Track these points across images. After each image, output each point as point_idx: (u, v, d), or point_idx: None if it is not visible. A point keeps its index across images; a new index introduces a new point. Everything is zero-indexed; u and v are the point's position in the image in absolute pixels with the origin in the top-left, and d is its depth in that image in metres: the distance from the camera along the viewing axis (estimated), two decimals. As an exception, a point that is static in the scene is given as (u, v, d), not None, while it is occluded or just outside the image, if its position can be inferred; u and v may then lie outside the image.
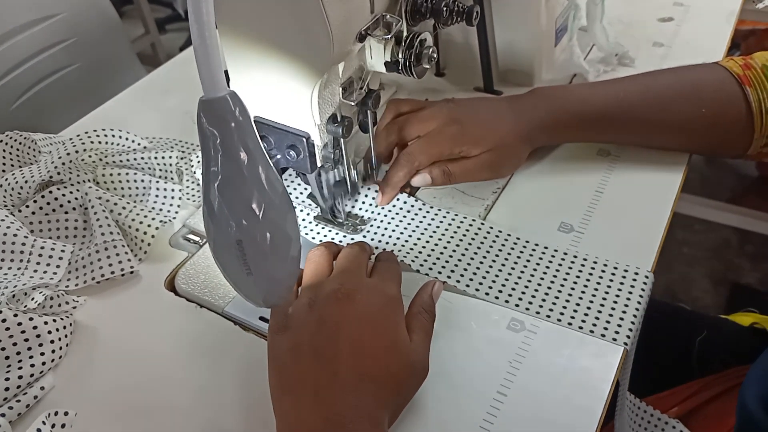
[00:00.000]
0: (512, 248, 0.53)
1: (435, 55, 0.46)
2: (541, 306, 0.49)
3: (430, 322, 0.45)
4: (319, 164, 0.48)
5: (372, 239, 0.55)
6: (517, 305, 0.49)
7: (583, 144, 0.63)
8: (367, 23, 0.42)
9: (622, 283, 0.50)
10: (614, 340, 0.46)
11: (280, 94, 0.44)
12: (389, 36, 0.43)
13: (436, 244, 0.54)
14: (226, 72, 0.46)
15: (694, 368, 0.73)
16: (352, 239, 0.56)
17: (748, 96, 0.55)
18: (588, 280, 0.50)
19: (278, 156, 0.47)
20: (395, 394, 0.40)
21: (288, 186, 0.60)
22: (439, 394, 0.44)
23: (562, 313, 0.48)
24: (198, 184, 0.61)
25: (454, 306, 0.50)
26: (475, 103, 0.59)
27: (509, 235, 0.54)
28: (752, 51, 0.58)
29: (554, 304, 0.49)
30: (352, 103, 0.46)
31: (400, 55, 0.44)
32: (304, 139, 0.45)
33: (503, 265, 0.52)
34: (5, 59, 1.01)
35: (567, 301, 0.49)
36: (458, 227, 0.55)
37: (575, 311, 0.48)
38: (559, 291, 0.50)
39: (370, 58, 0.46)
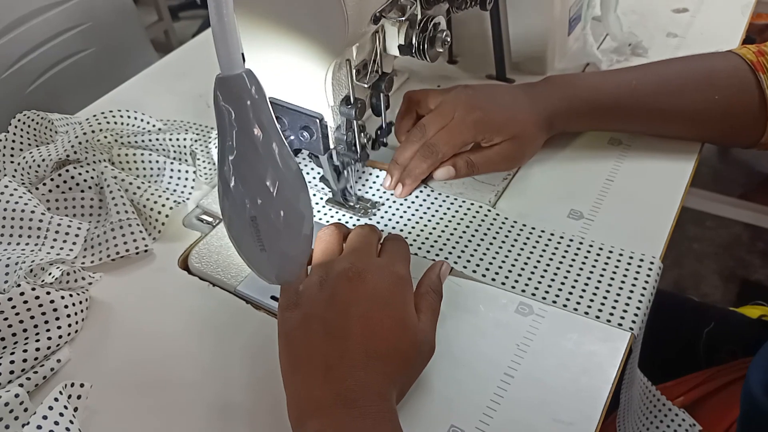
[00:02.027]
0: (521, 235, 0.54)
1: (448, 39, 0.46)
2: (547, 292, 0.49)
3: (437, 302, 0.45)
4: (331, 146, 0.49)
5: (383, 224, 0.56)
6: (524, 291, 0.49)
7: (595, 132, 0.63)
8: (381, 5, 0.43)
9: (630, 270, 0.50)
10: (621, 325, 0.46)
11: (295, 75, 0.45)
12: (403, 18, 0.44)
13: (446, 230, 0.54)
14: (242, 54, 0.47)
15: (701, 359, 0.73)
16: (367, 223, 0.56)
17: (761, 83, 0.55)
18: (595, 266, 0.50)
19: (292, 137, 0.48)
20: (403, 371, 0.40)
21: (302, 170, 0.61)
22: (446, 375, 0.45)
23: (569, 299, 0.48)
24: (214, 164, 0.62)
25: (463, 289, 0.50)
26: (493, 89, 0.59)
27: (515, 222, 0.55)
28: (768, 45, 0.58)
29: (561, 290, 0.49)
30: (365, 86, 0.46)
31: (413, 39, 0.45)
32: (318, 120, 0.46)
33: (511, 251, 0.52)
34: (21, 43, 1.02)
35: (573, 287, 0.49)
36: (468, 214, 0.56)
37: (583, 297, 0.48)
38: (566, 277, 0.50)
39: (384, 41, 0.46)
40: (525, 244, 0.53)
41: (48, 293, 0.47)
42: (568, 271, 0.50)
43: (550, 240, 0.53)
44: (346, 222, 0.56)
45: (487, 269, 0.51)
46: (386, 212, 0.57)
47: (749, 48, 0.57)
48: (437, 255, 0.52)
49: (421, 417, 0.42)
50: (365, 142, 0.55)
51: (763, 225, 1.53)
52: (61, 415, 0.40)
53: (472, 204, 0.56)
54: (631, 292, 0.48)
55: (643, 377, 0.55)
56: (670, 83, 0.57)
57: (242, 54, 0.46)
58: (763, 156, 1.74)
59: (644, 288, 0.49)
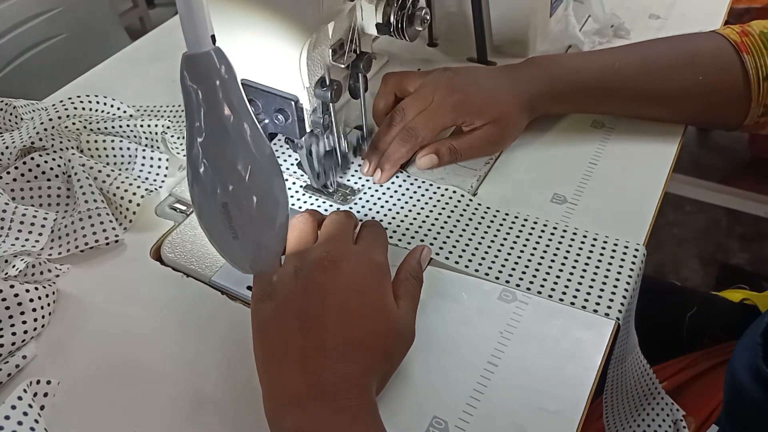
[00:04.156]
0: (504, 224, 0.52)
1: (428, 17, 0.45)
2: (532, 282, 0.48)
3: (417, 288, 0.44)
4: (308, 129, 0.47)
5: (363, 212, 0.54)
6: (508, 282, 0.48)
7: (578, 115, 0.62)
8: (358, -19, 0.41)
9: (615, 257, 0.49)
10: (607, 315, 0.45)
11: (268, 55, 0.43)
12: (381, -5, 0.42)
13: (427, 219, 0.53)
14: (213, 36, 0.45)
15: (684, 343, 0.73)
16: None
17: (745, 63, 0.54)
18: (580, 254, 0.49)
19: (266, 120, 0.46)
20: (383, 361, 0.39)
21: (278, 157, 0.59)
22: (430, 363, 0.43)
23: (553, 289, 0.47)
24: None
25: (445, 276, 0.49)
26: (474, 71, 0.57)
27: (498, 211, 0.53)
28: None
29: (546, 280, 0.48)
30: (342, 66, 0.44)
31: (391, 17, 0.43)
32: (293, 103, 0.44)
33: (494, 241, 0.51)
34: (-11, 28, 0.99)
35: (558, 276, 0.48)
36: (450, 202, 0.54)
37: (567, 286, 0.47)
38: (550, 266, 0.49)
39: (360, 19, 0.45)
40: (508, 233, 0.52)
41: (12, 286, 0.45)
42: (552, 260, 0.49)
43: (533, 228, 0.52)
44: (325, 210, 0.55)
45: (470, 260, 0.50)
46: (368, 200, 0.55)
47: (733, 28, 0.57)
48: (411, 240, 0.51)
49: (402, 409, 0.41)
50: (347, 152, 0.53)
51: (741, 209, 1.55)
52: (25, 414, 0.38)
53: (454, 192, 0.55)
54: (617, 279, 0.48)
55: (640, 354, 0.54)
56: (653, 64, 0.57)
57: (213, 36, 0.45)
58: (741, 141, 1.75)
59: (629, 275, 0.48)
